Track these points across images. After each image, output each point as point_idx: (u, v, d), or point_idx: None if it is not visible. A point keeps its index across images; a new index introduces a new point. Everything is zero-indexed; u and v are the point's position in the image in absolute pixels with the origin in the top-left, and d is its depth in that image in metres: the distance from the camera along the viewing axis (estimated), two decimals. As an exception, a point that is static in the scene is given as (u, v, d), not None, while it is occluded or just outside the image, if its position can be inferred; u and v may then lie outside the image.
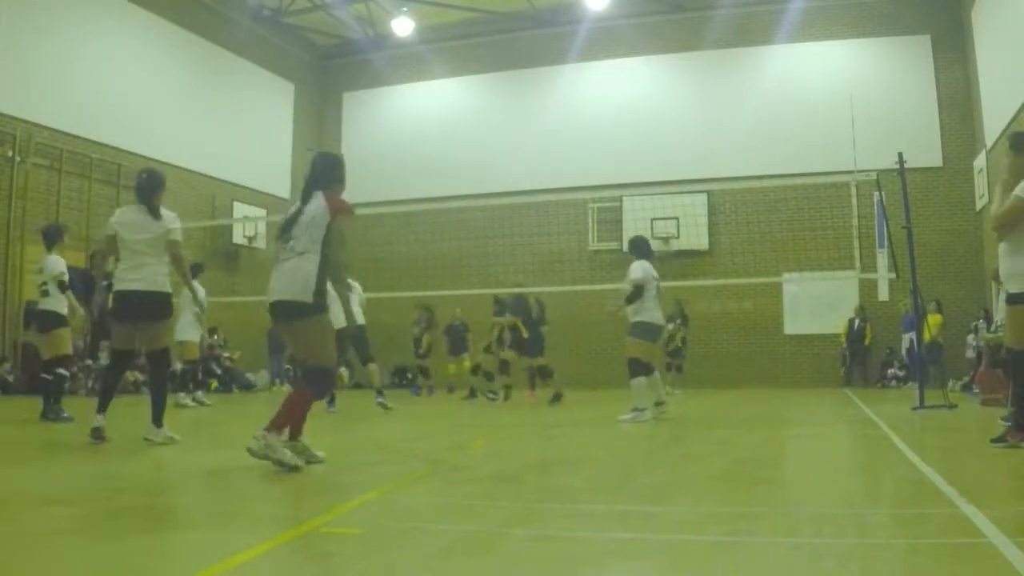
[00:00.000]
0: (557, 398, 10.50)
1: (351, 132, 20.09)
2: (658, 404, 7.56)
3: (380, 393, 9.56)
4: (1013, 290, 4.64)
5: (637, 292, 7.42)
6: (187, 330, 9.96)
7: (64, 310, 7.41)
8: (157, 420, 5.26)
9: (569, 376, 13.62)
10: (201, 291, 8.62)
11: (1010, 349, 4.73)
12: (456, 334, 14.01)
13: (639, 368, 7.42)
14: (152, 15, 15.43)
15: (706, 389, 14.44)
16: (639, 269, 7.52)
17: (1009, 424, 4.74)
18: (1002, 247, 4.71)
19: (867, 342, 15.47)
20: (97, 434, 5.22)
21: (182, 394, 10.10)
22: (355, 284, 9.19)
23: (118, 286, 5.26)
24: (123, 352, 5.49)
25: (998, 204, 4.67)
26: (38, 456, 5.06)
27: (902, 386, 14.50)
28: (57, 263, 7.45)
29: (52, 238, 7.60)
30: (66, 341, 7.50)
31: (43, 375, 7.51)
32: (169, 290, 5.37)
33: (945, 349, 13.88)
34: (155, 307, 5.28)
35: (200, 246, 15.86)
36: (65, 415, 7.15)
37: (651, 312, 7.49)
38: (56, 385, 7.34)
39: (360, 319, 8.92)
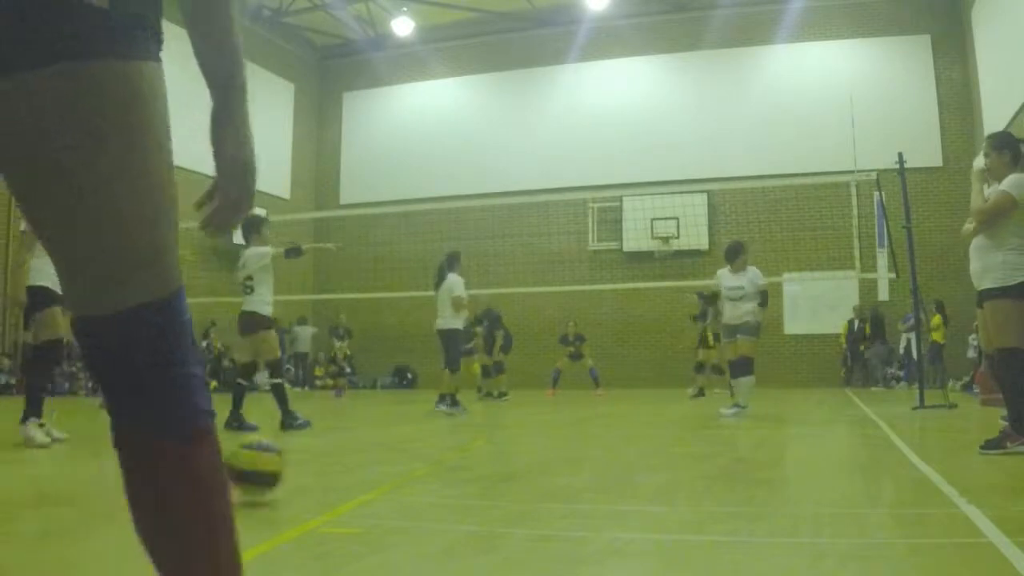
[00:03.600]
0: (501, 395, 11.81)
1: (351, 132, 20.09)
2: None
3: (443, 399, 8.86)
4: (989, 285, 4.62)
5: (766, 297, 8.14)
6: None
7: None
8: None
9: (569, 376, 13.66)
10: None
11: (1002, 349, 4.57)
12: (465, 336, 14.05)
13: (751, 367, 7.93)
14: (152, 15, 15.40)
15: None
16: (761, 274, 8.21)
17: (1007, 423, 4.72)
18: (976, 243, 4.72)
19: (865, 342, 15.45)
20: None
21: None
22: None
23: None
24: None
25: (978, 200, 4.68)
26: (39, 456, 5.06)
27: (895, 385, 14.50)
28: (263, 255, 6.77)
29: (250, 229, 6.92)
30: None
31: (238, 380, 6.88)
32: None
33: (945, 349, 13.88)
34: None
35: (199, 246, 15.85)
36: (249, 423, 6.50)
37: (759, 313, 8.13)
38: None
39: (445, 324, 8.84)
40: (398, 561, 2.25)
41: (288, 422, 6.46)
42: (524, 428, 7.52)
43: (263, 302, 6.77)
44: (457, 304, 8.71)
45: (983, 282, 4.68)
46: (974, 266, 4.76)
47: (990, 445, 4.44)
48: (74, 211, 1.02)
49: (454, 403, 8.70)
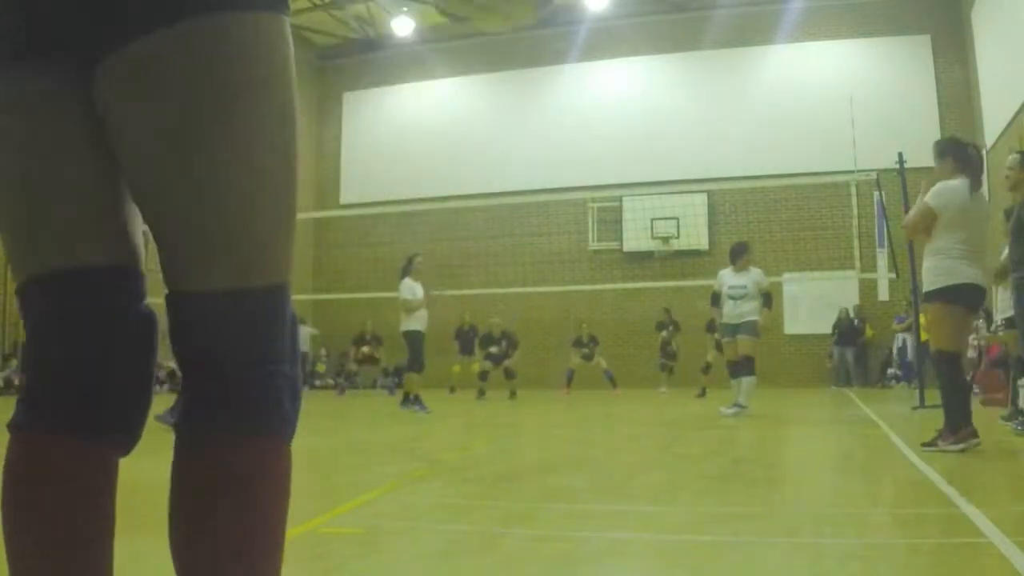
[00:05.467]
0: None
1: (351, 132, 20.09)
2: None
3: (408, 399, 9.08)
4: (925, 289, 4.78)
5: (770, 298, 8.31)
6: None
7: None
8: None
9: (581, 376, 13.69)
10: None
11: (933, 351, 4.74)
12: (466, 337, 14.12)
13: (753, 366, 7.97)
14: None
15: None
16: (764, 275, 8.38)
17: (1009, 424, 4.74)
18: (926, 248, 4.85)
19: (868, 336, 15.37)
20: None
21: None
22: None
23: None
24: None
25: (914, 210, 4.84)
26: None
27: (893, 385, 14.48)
28: None
29: None
30: None
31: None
32: None
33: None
34: None
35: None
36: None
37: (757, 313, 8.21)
38: None
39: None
40: (398, 561, 2.26)
41: None
42: (524, 428, 7.53)
43: None
44: (405, 307, 8.91)
45: (925, 285, 4.84)
46: (925, 268, 4.90)
47: (928, 444, 4.59)
48: (190, 181, 0.94)
49: (417, 401, 8.90)
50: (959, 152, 4.80)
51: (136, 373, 1.03)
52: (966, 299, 4.63)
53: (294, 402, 1.01)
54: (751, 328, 7.95)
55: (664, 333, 13.92)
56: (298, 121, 1.02)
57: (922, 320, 13.49)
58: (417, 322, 8.96)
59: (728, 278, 8.16)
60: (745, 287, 7.99)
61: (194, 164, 0.93)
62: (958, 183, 4.65)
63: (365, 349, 15.08)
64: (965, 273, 4.57)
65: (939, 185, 4.68)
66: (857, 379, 15.17)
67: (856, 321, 15.42)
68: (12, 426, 0.99)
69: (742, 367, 7.93)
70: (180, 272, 0.97)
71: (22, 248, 1.02)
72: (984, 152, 14.36)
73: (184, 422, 0.97)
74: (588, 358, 13.54)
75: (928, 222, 4.67)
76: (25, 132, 0.98)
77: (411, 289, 8.95)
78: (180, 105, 0.92)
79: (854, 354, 15.25)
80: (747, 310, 7.96)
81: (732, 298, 8.04)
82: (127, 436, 1.03)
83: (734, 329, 8.01)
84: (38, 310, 1.02)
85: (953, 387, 4.59)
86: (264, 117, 0.96)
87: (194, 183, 0.94)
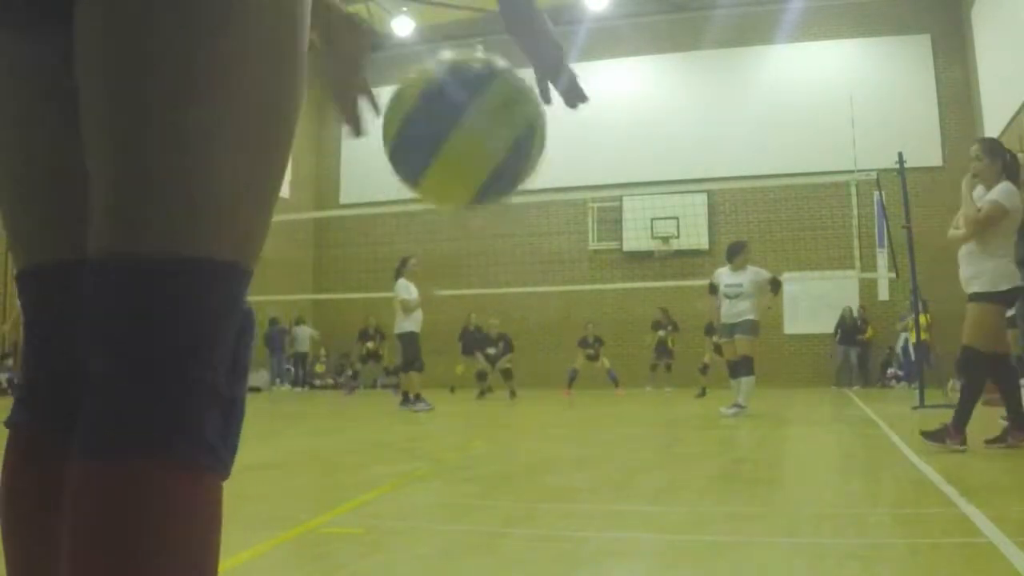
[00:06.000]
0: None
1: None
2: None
3: (407, 398, 9.18)
4: (977, 289, 4.74)
5: (777, 284, 8.32)
6: None
7: None
8: None
9: (585, 377, 13.70)
10: None
11: (968, 348, 4.75)
12: (470, 338, 14.15)
13: (752, 366, 7.95)
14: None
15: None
16: (763, 271, 8.35)
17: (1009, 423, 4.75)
18: (966, 249, 4.83)
19: (867, 336, 15.37)
20: None
21: None
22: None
23: None
24: None
25: (970, 208, 4.77)
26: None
27: (893, 385, 14.48)
28: None
29: None
30: None
31: None
32: None
33: (935, 348, 13.85)
34: None
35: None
36: None
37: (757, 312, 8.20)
38: None
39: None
40: (398, 561, 2.26)
41: None
42: (524, 428, 7.53)
43: None
44: (404, 307, 8.99)
45: (971, 287, 4.80)
46: (964, 272, 4.87)
47: (931, 436, 4.61)
48: (140, 90, 0.73)
49: (419, 399, 8.99)
50: (1005, 156, 4.85)
51: None
52: (1011, 301, 4.76)
53: (226, 429, 0.77)
54: (748, 327, 7.95)
55: (661, 333, 14.12)
56: (303, 62, 0.82)
57: (922, 320, 13.56)
58: (413, 323, 9.06)
59: (725, 277, 8.18)
60: (741, 286, 7.99)
61: (151, 65, 0.73)
62: (1012, 186, 4.70)
63: (370, 345, 15.09)
64: (1017, 276, 4.68)
65: (1004, 186, 4.68)
66: (857, 379, 15.18)
67: (859, 321, 15.40)
68: (9, 423, 0.95)
69: (741, 367, 7.93)
70: (101, 229, 0.75)
71: (23, 234, 0.93)
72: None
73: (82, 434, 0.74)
74: (593, 358, 13.59)
75: (994, 222, 4.66)
76: (25, 108, 0.89)
77: (407, 289, 9.06)
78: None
79: (857, 354, 15.24)
80: (744, 309, 7.95)
81: (728, 297, 8.04)
82: None
83: (731, 329, 8.01)
84: (33, 300, 0.93)
85: (977, 389, 4.68)
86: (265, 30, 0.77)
87: (145, 91, 0.73)
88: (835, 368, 15.48)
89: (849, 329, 15.29)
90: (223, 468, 0.77)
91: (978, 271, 4.74)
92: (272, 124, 0.79)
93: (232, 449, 0.78)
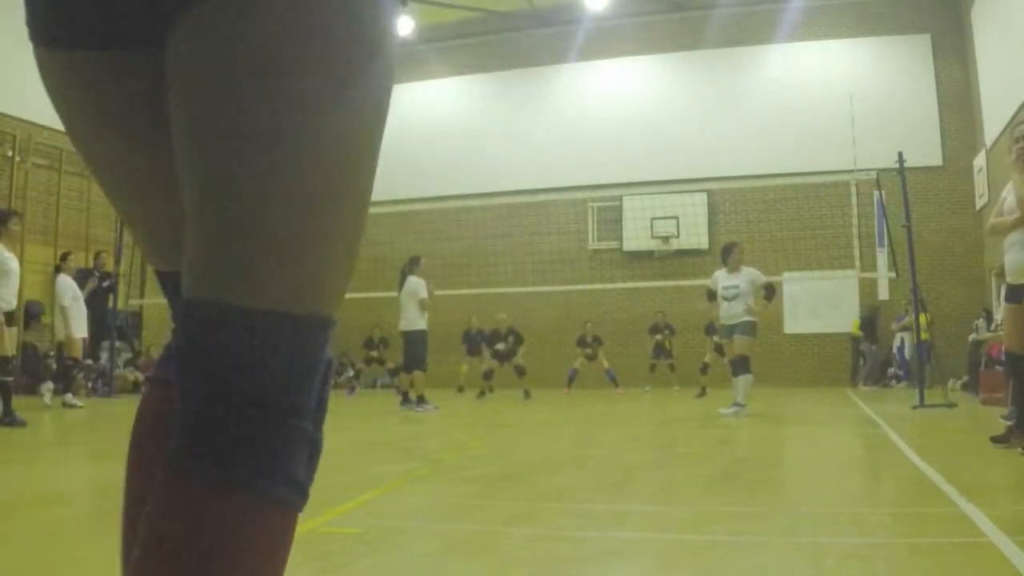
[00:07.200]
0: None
1: (351, 132, 20.08)
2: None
3: (411, 400, 9.19)
4: (1019, 281, 4.60)
5: (772, 290, 8.32)
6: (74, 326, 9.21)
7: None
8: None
9: (584, 376, 13.70)
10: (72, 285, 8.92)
11: (1009, 352, 4.69)
12: (474, 340, 14.15)
13: (748, 365, 8.00)
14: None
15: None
16: (760, 273, 8.38)
17: (1011, 423, 4.75)
18: (1015, 237, 4.63)
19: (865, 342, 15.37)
20: None
21: (68, 394, 9.20)
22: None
23: None
24: None
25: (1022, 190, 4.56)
26: (37, 456, 5.06)
27: (893, 384, 14.46)
28: None
29: None
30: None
31: None
32: None
33: (936, 347, 13.86)
34: None
35: None
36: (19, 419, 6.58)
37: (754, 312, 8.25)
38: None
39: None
40: (398, 561, 2.25)
41: (6, 420, 6.47)
42: (524, 427, 7.52)
43: None
44: (424, 305, 9.05)
45: (1015, 277, 4.64)
46: (1008, 259, 4.69)
47: (998, 440, 4.59)
48: (269, 158, 0.73)
49: (422, 401, 9.01)
50: None
51: None
52: None
53: (310, 467, 0.80)
54: (746, 328, 8.01)
55: (658, 337, 14.37)
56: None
57: (922, 320, 13.57)
58: (424, 321, 9.10)
59: (722, 279, 8.25)
60: (738, 287, 8.06)
61: (281, 123, 0.74)
62: None
63: (374, 354, 15.23)
64: None
65: None
66: (869, 378, 15.17)
67: (875, 318, 15.32)
68: (148, 379, 1.03)
69: (739, 366, 8.00)
70: (213, 278, 0.75)
71: (144, 242, 1.01)
72: (984, 151, 14.38)
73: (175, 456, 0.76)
74: (592, 358, 13.65)
75: None
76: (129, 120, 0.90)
77: (424, 287, 9.09)
78: (273, 66, 0.73)
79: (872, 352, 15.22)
80: (740, 310, 8.04)
81: (726, 299, 8.12)
82: None
83: (730, 329, 8.08)
84: (169, 296, 0.98)
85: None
86: (370, 87, 0.79)
87: (273, 161, 0.74)
88: (864, 366, 15.32)
89: (871, 326, 15.21)
90: (305, 502, 0.81)
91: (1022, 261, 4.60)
92: (370, 187, 0.83)
93: (311, 482, 0.82)
